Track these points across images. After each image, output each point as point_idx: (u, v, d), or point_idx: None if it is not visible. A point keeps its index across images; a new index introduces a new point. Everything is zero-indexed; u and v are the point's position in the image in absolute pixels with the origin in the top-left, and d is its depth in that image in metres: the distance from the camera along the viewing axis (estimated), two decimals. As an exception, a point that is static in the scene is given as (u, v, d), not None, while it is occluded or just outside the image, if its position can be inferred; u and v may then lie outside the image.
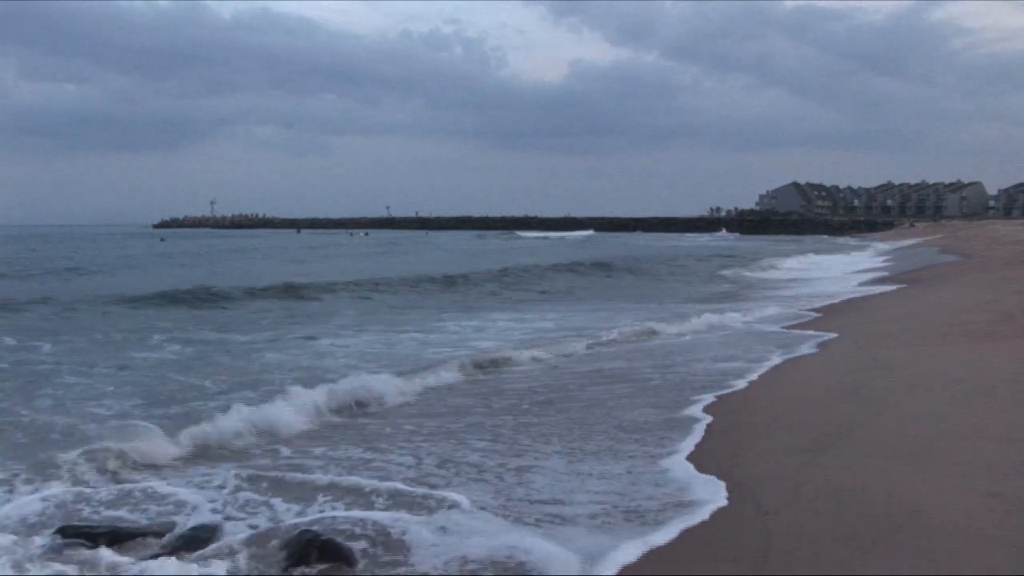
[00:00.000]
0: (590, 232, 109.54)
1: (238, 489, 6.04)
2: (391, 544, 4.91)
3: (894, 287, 21.57)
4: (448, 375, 10.47)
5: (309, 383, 9.28)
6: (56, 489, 6.02)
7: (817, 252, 46.91)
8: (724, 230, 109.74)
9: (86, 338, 14.14)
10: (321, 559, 4.65)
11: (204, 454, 7.12)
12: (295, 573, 4.59)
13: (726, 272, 32.53)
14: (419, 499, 5.69)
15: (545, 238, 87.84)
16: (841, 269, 33.15)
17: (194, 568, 4.62)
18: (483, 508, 5.47)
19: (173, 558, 4.73)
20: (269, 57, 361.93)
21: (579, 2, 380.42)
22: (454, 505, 5.55)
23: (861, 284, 24.08)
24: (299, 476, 6.35)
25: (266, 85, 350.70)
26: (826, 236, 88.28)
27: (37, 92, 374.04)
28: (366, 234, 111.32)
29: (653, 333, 14.13)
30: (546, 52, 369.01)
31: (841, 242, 71.38)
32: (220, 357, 12.29)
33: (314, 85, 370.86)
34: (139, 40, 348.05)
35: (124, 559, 4.76)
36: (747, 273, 32.34)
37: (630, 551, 4.65)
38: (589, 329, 14.68)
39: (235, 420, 7.75)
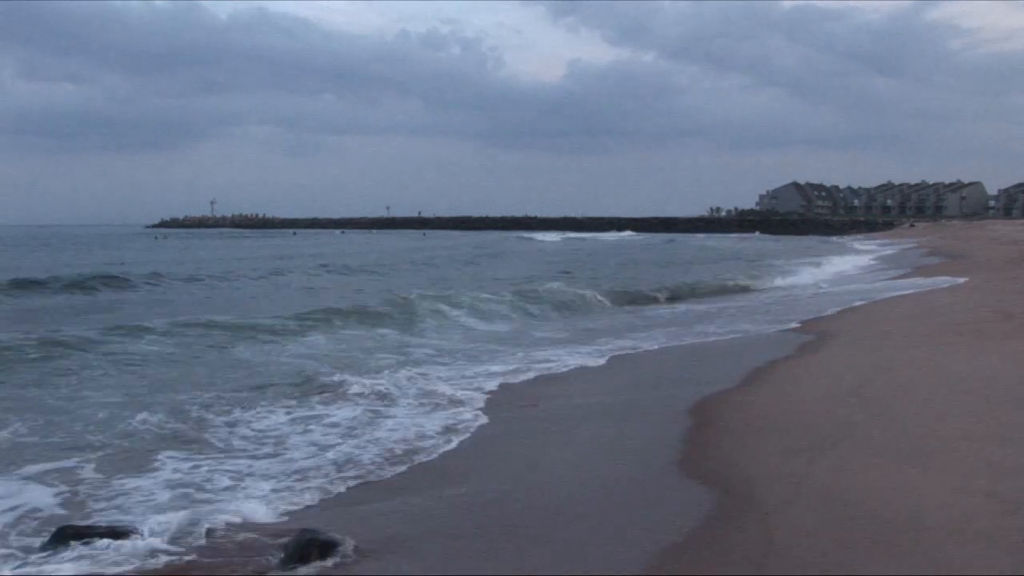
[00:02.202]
0: (628, 233, 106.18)
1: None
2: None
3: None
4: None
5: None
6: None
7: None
8: (758, 232, 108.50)
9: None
10: (321, 558, 4.64)
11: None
12: (294, 572, 4.58)
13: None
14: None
15: (582, 239, 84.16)
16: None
17: (192, 565, 4.63)
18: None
19: (170, 556, 4.74)
20: (267, 57, 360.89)
21: (577, 2, 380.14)
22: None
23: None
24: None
25: (265, 85, 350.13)
26: (849, 237, 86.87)
27: (37, 92, 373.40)
28: (370, 231, 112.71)
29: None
30: (544, 52, 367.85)
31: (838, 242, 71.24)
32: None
33: (313, 85, 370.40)
34: (138, 40, 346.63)
35: (122, 557, 4.76)
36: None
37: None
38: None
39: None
